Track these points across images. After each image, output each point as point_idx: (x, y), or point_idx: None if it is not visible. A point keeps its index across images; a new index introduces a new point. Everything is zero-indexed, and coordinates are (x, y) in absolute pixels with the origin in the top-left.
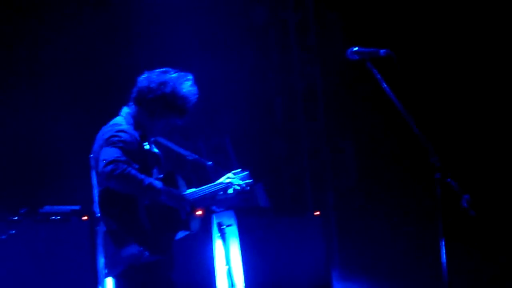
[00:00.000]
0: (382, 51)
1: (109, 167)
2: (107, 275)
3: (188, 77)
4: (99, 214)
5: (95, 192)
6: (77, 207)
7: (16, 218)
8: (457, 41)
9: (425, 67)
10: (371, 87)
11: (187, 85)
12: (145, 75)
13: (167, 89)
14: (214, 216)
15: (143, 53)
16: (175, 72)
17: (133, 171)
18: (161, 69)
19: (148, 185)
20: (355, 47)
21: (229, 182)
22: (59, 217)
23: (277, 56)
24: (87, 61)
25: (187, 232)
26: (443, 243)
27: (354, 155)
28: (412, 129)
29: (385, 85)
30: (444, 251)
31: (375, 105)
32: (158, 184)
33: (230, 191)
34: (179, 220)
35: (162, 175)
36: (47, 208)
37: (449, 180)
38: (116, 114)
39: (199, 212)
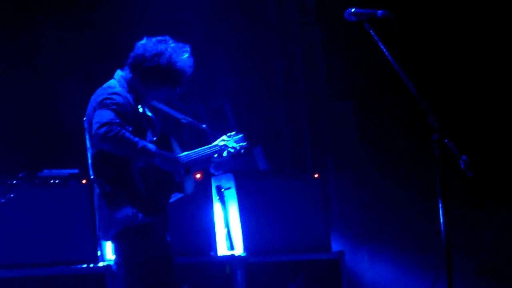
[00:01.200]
0: (379, 12)
1: (103, 129)
2: (101, 238)
3: (185, 49)
4: (92, 177)
5: (89, 154)
6: (75, 171)
7: (15, 181)
8: (459, 2)
9: (423, 27)
10: (370, 48)
11: (183, 57)
12: (143, 41)
13: (162, 60)
14: (213, 179)
15: (143, 16)
16: (172, 42)
17: (127, 134)
18: (159, 38)
19: (142, 148)
20: (352, 8)
21: (224, 145)
22: (58, 181)
23: (276, 19)
24: (86, 24)
25: (181, 195)
26: (441, 203)
27: (354, 117)
28: (410, 90)
29: (383, 46)
30: (442, 212)
31: (375, 66)
32: (152, 147)
33: (225, 154)
34: (174, 183)
35: (155, 138)
36: (46, 172)
37: (446, 141)
38: (111, 77)
39: (197, 175)
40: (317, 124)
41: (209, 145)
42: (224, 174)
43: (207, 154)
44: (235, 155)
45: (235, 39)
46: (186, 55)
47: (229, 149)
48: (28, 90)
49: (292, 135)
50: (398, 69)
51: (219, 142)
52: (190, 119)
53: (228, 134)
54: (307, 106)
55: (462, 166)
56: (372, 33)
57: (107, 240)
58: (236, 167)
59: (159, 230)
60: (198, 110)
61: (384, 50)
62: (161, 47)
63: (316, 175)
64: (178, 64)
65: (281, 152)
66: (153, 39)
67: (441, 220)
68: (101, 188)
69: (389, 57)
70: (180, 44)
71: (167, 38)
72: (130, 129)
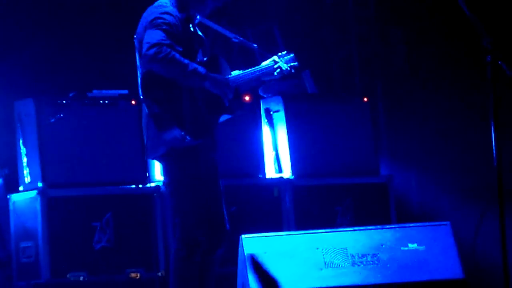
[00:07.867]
0: None
1: (153, 50)
2: (148, 157)
3: None
4: (141, 97)
5: (138, 74)
6: (125, 91)
7: (64, 101)
8: None
9: None
10: None
11: None
12: None
13: None
14: (261, 102)
15: None
16: None
17: (178, 55)
18: None
19: (192, 70)
20: None
21: (274, 65)
22: (107, 101)
23: None
24: None
25: (230, 116)
26: (493, 126)
27: (404, 41)
28: (464, 12)
29: None
30: (494, 134)
31: None
32: (202, 70)
33: (275, 73)
34: (222, 105)
35: (205, 58)
36: (95, 92)
37: (500, 62)
38: None
39: (246, 98)
40: (366, 47)
41: (260, 65)
42: (273, 97)
43: (257, 73)
44: (285, 75)
45: None
46: None
47: (280, 69)
48: (77, 12)
49: (341, 59)
50: None
51: (269, 61)
52: (241, 38)
53: (279, 54)
54: (356, 29)
55: None
56: None
57: (153, 159)
58: (285, 89)
59: (206, 151)
60: (246, 33)
61: None
62: None
63: (365, 99)
64: None
65: (329, 75)
66: None
67: (493, 143)
68: (149, 108)
69: None
70: None
71: None
72: (181, 49)
